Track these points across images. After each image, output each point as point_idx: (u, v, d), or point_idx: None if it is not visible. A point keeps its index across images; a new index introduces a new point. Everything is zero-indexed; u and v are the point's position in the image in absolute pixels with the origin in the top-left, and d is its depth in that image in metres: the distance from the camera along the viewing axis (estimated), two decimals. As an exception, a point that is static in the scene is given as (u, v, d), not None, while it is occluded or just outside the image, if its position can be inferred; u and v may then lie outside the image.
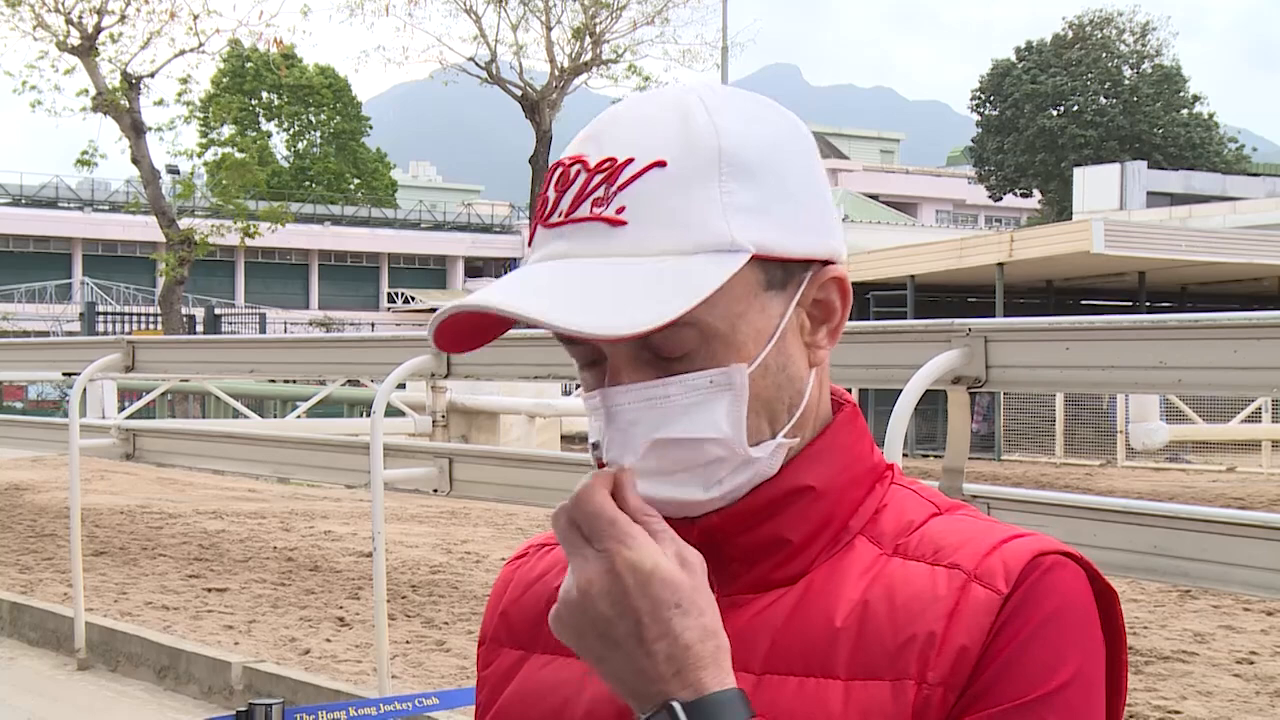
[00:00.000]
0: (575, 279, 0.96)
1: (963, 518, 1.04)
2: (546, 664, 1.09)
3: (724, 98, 1.01)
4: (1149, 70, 54.88)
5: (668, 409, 0.98)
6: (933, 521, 1.03)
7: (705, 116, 0.99)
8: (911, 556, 1.01)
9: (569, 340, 1.01)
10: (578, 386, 1.14)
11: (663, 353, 0.98)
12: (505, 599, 1.16)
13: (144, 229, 43.30)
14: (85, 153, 27.85)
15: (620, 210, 0.97)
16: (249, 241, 29.23)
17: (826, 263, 1.03)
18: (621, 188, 0.97)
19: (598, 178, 0.98)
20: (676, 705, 0.91)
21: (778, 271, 1.00)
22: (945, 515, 1.04)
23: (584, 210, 0.98)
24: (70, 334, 36.69)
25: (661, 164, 0.97)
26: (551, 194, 1.00)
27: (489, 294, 0.97)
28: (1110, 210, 37.31)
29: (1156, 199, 41.33)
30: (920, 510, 1.05)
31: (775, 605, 1.01)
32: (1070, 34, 55.39)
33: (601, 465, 1.02)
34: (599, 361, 1.01)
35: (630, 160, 0.98)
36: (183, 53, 27.02)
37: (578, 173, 0.99)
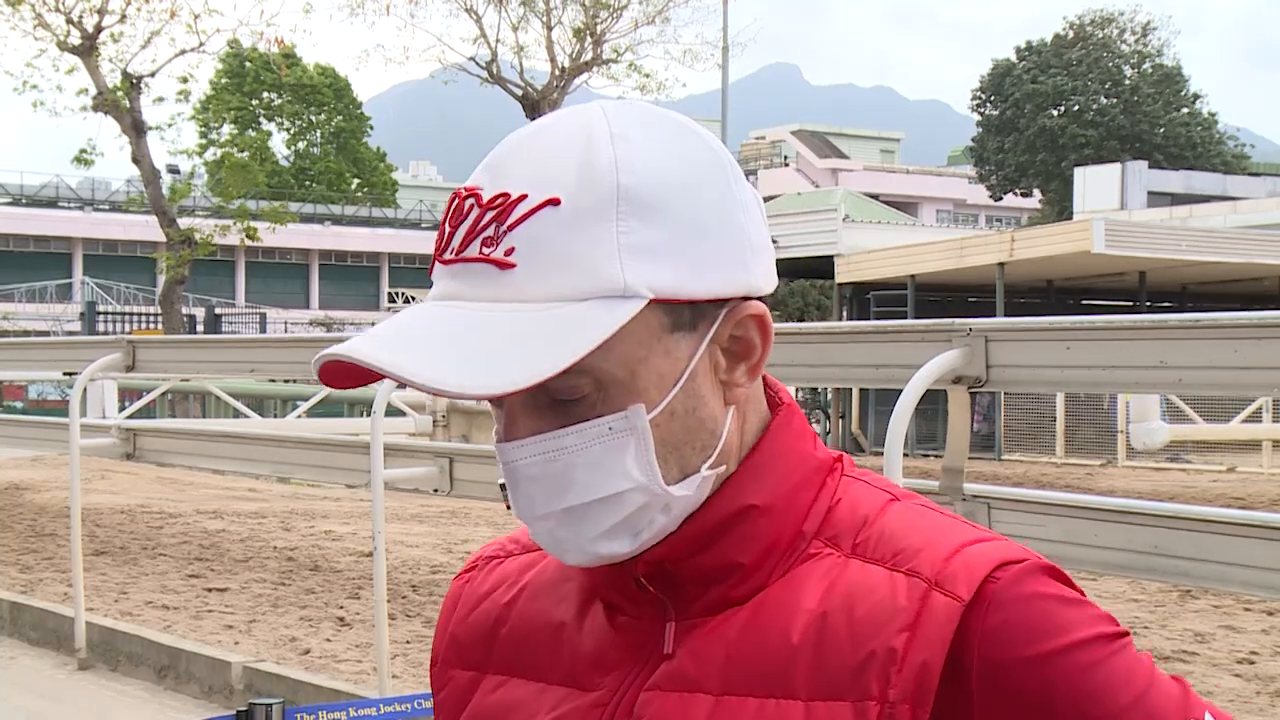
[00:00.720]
0: (457, 328, 0.92)
1: (921, 510, 1.00)
2: (499, 685, 1.06)
3: (634, 124, 0.96)
4: (1149, 70, 54.87)
5: (569, 463, 0.95)
6: (890, 511, 1.00)
7: (608, 148, 0.94)
8: (871, 558, 0.97)
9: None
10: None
11: (559, 397, 0.94)
12: (455, 617, 1.12)
13: (144, 228, 43.35)
14: (84, 151, 27.87)
15: (509, 252, 0.93)
16: (250, 242, 29.26)
17: (746, 299, 0.98)
18: (511, 227, 0.93)
19: (489, 214, 0.94)
20: None
21: (685, 312, 0.96)
22: (902, 502, 1.01)
23: (473, 250, 0.94)
24: (71, 334, 36.69)
25: (555, 202, 0.93)
26: (447, 228, 0.97)
27: (360, 343, 0.93)
28: (1111, 210, 37.29)
29: (1157, 199, 41.30)
30: (875, 501, 1.01)
31: (730, 621, 0.98)
32: (1071, 34, 55.37)
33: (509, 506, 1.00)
34: (500, 403, 0.98)
35: (524, 197, 0.93)
36: (183, 52, 27.05)
37: (470, 207, 0.95)
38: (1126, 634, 0.96)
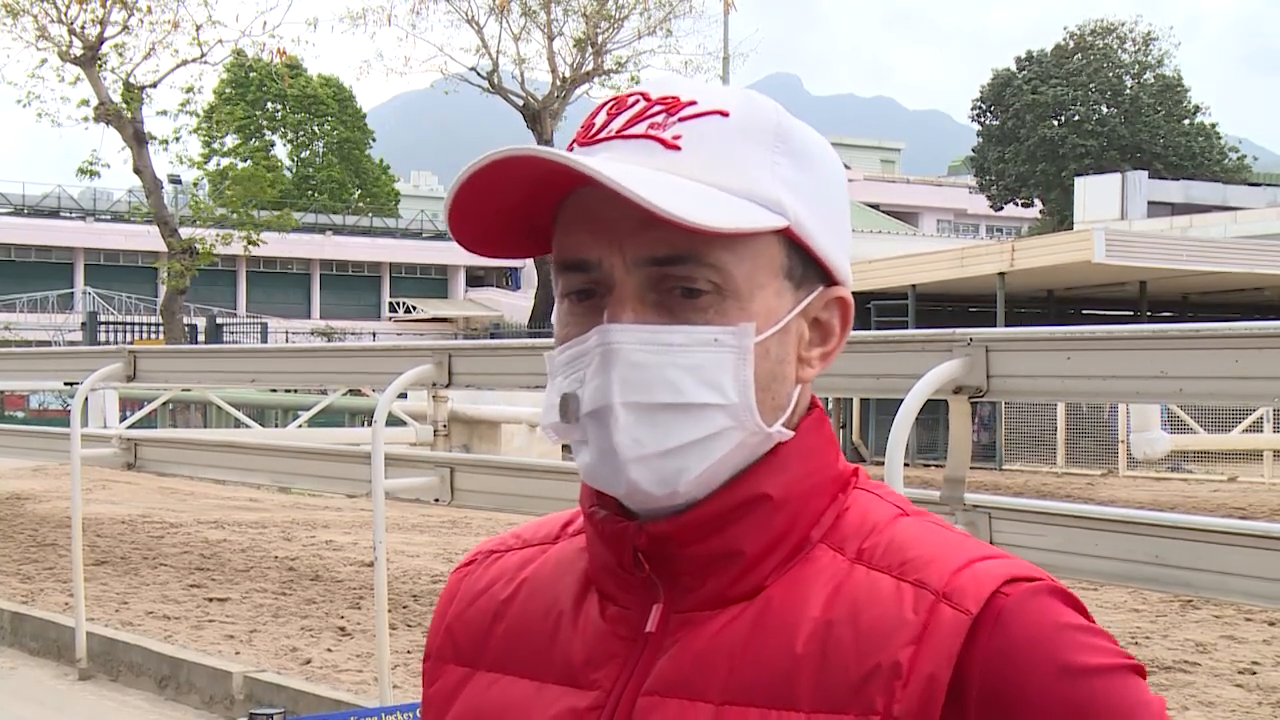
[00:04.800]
0: (644, 173, 0.92)
1: (930, 525, 0.99)
2: (493, 683, 1.04)
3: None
4: (1150, 80, 54.93)
5: (670, 361, 0.93)
6: (899, 524, 0.98)
7: (770, 102, 1.00)
8: (876, 566, 0.95)
9: (572, 266, 0.96)
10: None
11: (685, 284, 0.93)
12: (451, 611, 1.10)
13: (146, 238, 43.35)
14: (89, 162, 27.91)
15: (676, 137, 0.95)
16: (251, 250, 29.25)
17: (836, 284, 1.01)
18: (681, 120, 0.96)
19: (658, 108, 0.97)
20: None
21: (798, 265, 0.98)
22: (912, 518, 0.99)
23: (639, 129, 0.96)
24: (72, 343, 36.70)
25: (723, 113, 0.96)
26: (601, 118, 0.98)
27: (553, 151, 0.90)
28: (1111, 220, 37.32)
29: (1157, 208, 41.36)
30: (884, 512, 0.99)
31: (733, 625, 0.96)
32: (1071, 44, 55.43)
33: (570, 420, 0.96)
34: (596, 294, 0.96)
35: (693, 102, 0.97)
36: (185, 63, 27.09)
37: (635, 101, 0.98)
38: (1142, 669, 0.93)
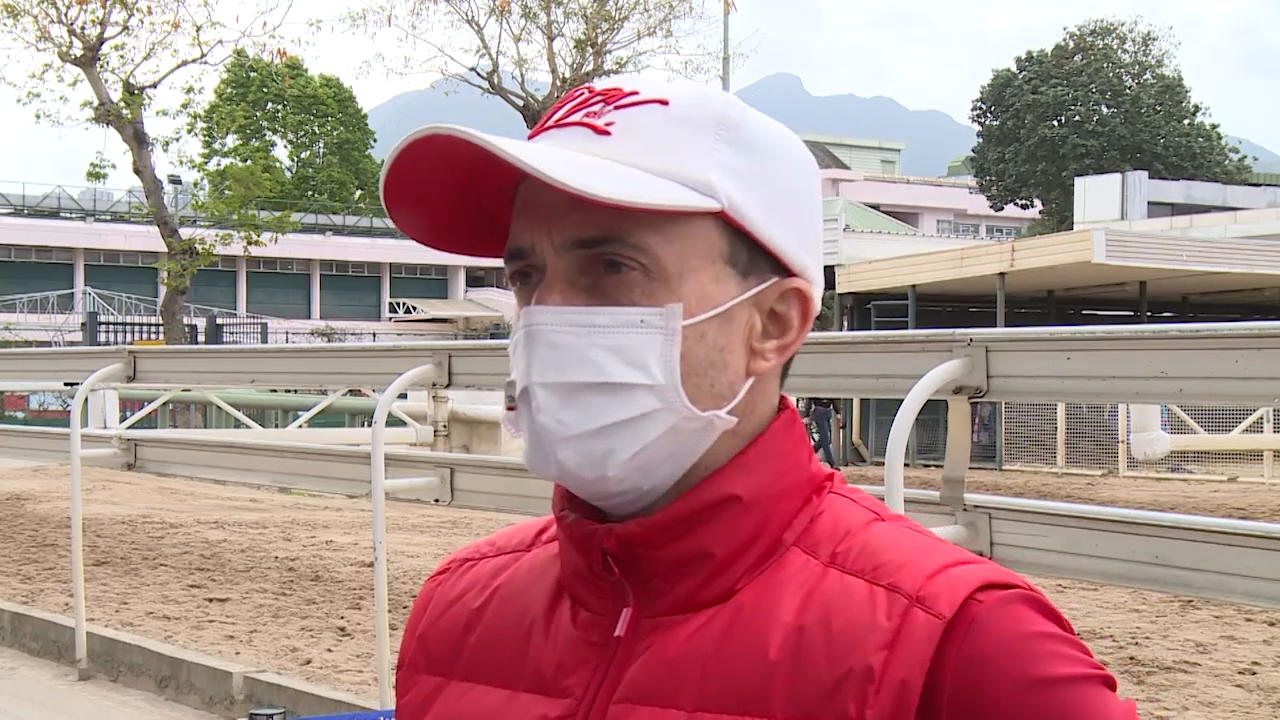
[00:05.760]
0: (562, 154, 0.94)
1: (905, 530, 0.98)
2: (466, 692, 1.03)
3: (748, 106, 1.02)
4: (1150, 80, 54.93)
5: (593, 341, 0.94)
6: (873, 528, 0.97)
7: (722, 95, 1.00)
8: (850, 570, 0.94)
9: (512, 254, 0.98)
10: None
11: (612, 258, 0.94)
12: (424, 620, 1.10)
13: (146, 239, 43.41)
14: (95, 165, 27.93)
15: (609, 124, 0.96)
16: (251, 250, 29.25)
17: (795, 275, 1.00)
18: (618, 109, 0.97)
19: (598, 99, 0.98)
20: None
21: (742, 252, 0.97)
22: (888, 523, 0.98)
23: (575, 118, 0.98)
24: (72, 344, 36.70)
25: (663, 102, 0.97)
26: (551, 111, 1.01)
27: (470, 131, 0.93)
28: (1111, 220, 37.33)
29: (1157, 209, 41.36)
30: (859, 517, 0.98)
31: (704, 630, 0.95)
32: (1071, 44, 55.44)
33: (512, 409, 0.97)
34: (532, 279, 0.97)
35: (635, 92, 0.98)
36: (185, 63, 27.10)
37: (581, 94, 1.00)
38: (1112, 680, 0.93)
